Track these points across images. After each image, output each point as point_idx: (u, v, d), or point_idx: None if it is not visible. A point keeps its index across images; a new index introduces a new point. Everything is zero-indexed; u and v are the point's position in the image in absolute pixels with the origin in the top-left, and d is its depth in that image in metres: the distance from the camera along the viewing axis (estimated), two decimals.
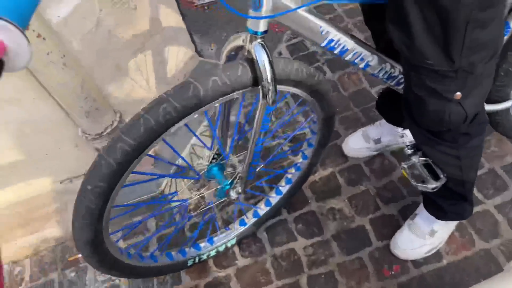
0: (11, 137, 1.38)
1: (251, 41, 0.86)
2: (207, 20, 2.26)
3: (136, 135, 0.84)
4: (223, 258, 1.43)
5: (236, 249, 1.44)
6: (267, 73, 0.86)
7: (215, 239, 1.38)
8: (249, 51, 0.87)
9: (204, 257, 1.36)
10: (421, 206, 1.28)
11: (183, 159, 1.41)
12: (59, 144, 1.48)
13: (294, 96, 1.36)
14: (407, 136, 1.42)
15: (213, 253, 1.38)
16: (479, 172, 1.38)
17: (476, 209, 1.33)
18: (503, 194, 1.36)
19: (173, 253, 1.30)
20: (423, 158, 1.07)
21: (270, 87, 0.87)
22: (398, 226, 1.34)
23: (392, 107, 1.32)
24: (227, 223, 1.47)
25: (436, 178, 1.06)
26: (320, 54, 1.91)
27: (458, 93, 0.85)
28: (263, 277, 1.37)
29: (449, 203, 1.15)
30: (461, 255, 1.28)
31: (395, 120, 1.37)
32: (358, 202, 1.45)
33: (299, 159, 1.35)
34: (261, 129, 0.95)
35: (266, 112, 0.92)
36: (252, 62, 0.87)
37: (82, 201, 0.88)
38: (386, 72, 1.03)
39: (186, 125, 0.91)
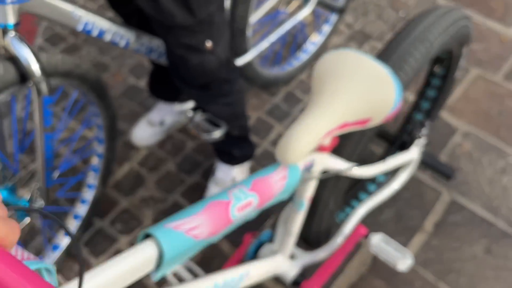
0: None
1: (4, 37, 0.83)
2: None
3: None
4: None
5: (58, 277, 1.33)
6: (34, 65, 0.85)
7: None
8: (5, 48, 0.84)
9: None
10: (217, 163, 1.45)
11: None
12: None
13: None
14: (187, 110, 1.56)
15: None
16: (251, 123, 1.64)
17: (258, 150, 1.59)
18: (272, 133, 1.65)
19: None
20: (203, 114, 1.23)
21: (41, 78, 0.86)
22: (205, 189, 1.48)
23: (163, 85, 1.44)
24: (39, 251, 1.34)
25: (218, 127, 1.24)
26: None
27: (209, 44, 1.02)
28: None
29: (236, 147, 1.35)
30: None
31: (170, 96, 1.49)
32: (165, 183, 1.53)
33: (94, 160, 1.33)
34: (45, 124, 0.93)
35: (46, 104, 0.90)
36: (13, 59, 0.85)
37: None
38: (147, 46, 1.13)
39: None
